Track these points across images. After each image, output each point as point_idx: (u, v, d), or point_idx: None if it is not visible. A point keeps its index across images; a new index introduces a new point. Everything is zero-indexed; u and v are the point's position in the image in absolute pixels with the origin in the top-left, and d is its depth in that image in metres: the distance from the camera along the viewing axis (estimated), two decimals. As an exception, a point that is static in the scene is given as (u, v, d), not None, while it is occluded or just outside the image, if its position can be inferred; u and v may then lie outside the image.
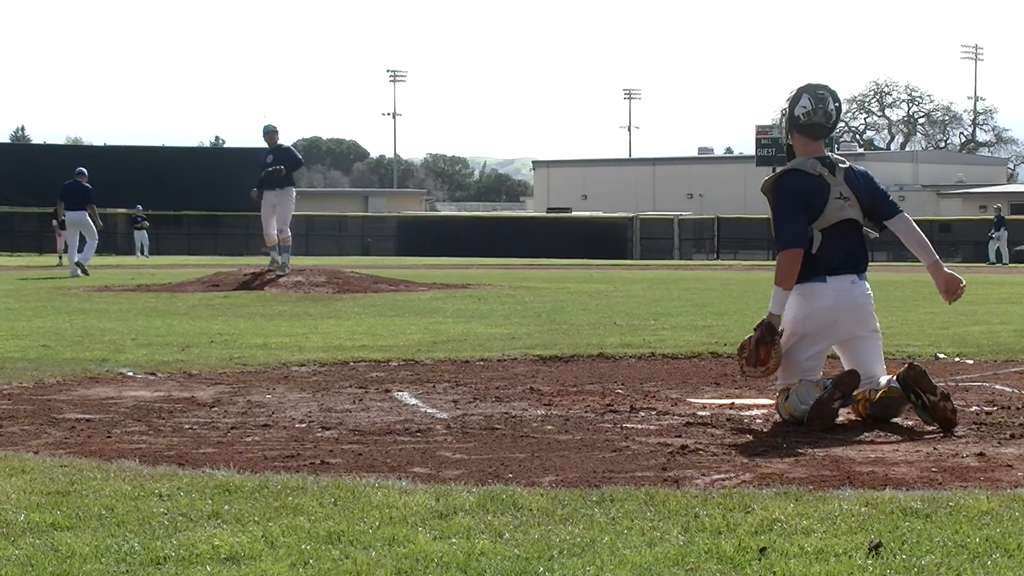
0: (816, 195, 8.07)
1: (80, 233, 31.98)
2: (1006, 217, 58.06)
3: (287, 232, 25.41)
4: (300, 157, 26.17)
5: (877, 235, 8.29)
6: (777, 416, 8.29)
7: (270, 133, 25.40)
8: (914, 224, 8.42)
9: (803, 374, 8.11)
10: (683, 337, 14.26)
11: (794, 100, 8.23)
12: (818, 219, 8.06)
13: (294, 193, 25.56)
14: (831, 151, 8.46)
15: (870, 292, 8.28)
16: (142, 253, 54.53)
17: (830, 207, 8.06)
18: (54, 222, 35.20)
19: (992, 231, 55.94)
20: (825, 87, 8.35)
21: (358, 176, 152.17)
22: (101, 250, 50.34)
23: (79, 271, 30.75)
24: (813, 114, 8.17)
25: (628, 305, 20.34)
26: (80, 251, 31.67)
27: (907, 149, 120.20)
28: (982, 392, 9.70)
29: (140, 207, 56.89)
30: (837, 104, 8.31)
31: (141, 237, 55.91)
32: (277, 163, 25.11)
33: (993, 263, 53.82)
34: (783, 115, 8.34)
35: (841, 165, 8.19)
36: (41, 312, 18.23)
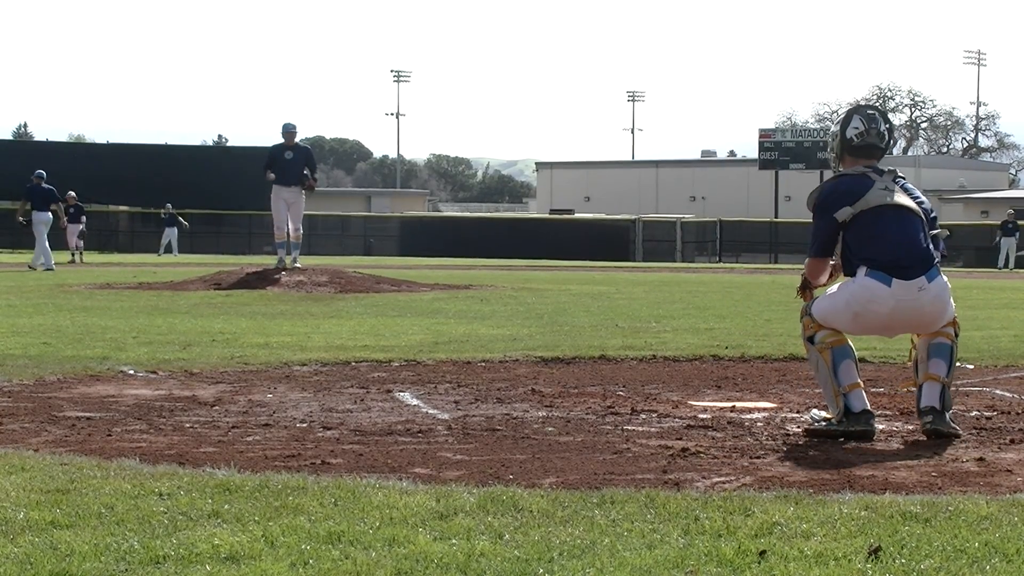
0: (857, 186, 7.87)
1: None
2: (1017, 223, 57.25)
3: (300, 229, 25.69)
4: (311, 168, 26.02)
5: (948, 233, 8.13)
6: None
7: (290, 133, 25.36)
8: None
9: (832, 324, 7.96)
10: (685, 339, 14.27)
11: (845, 122, 8.10)
12: (858, 202, 7.83)
13: (295, 195, 25.57)
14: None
15: (944, 287, 7.85)
16: (169, 251, 54.38)
17: (872, 193, 7.83)
18: (21, 220, 36.50)
19: (1000, 235, 54.90)
20: (875, 107, 8.29)
21: (361, 176, 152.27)
22: (102, 248, 50.52)
23: (49, 266, 33.38)
24: (867, 134, 8.02)
25: (630, 307, 20.34)
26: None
27: (909, 154, 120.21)
28: (982, 397, 9.70)
29: (170, 205, 56.69)
30: (888, 125, 8.16)
31: (170, 235, 55.69)
32: (298, 162, 25.13)
33: (1001, 267, 52.78)
34: (833, 138, 8.15)
35: (889, 171, 8.01)
36: (42, 309, 18.23)
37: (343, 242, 66.91)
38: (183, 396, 9.53)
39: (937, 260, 7.95)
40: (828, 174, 68.19)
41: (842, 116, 8.21)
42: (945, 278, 7.92)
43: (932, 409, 7.76)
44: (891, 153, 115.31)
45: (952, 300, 8.00)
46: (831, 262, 8.08)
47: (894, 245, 7.77)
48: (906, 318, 7.86)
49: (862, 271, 7.78)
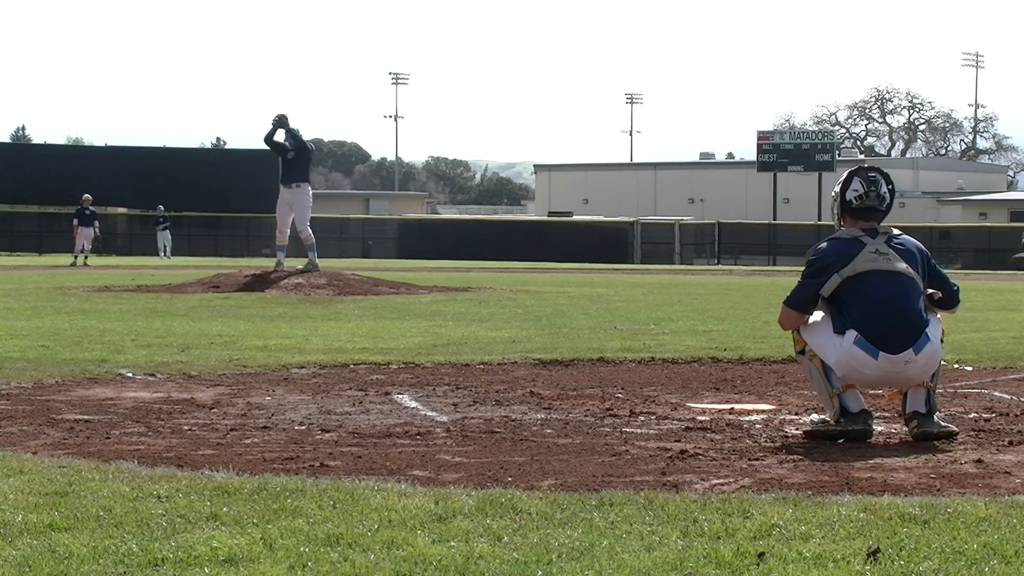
0: (847, 251, 7.86)
1: None
2: (1006, 225, 57.01)
3: (307, 231, 25.05)
4: (308, 145, 24.98)
5: (940, 295, 8.01)
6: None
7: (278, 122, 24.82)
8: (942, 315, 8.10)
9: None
10: (683, 342, 14.27)
11: (845, 184, 8.06)
12: (844, 268, 7.81)
13: (309, 191, 25.11)
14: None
15: (933, 353, 7.79)
16: (164, 254, 54.29)
17: (860, 258, 7.81)
18: None
19: None
20: (876, 169, 8.22)
21: (359, 178, 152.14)
22: (100, 251, 50.49)
23: None
24: (865, 197, 8.00)
25: (628, 309, 20.34)
26: None
27: (907, 156, 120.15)
28: (981, 399, 9.70)
29: (162, 207, 56.64)
30: (890, 186, 8.11)
31: (164, 238, 55.66)
32: (291, 146, 24.73)
33: None
34: (834, 199, 8.13)
35: (883, 232, 7.97)
36: (40, 312, 18.23)
37: (341, 244, 66.84)
38: (181, 399, 9.52)
39: (937, 316, 7.93)
40: (827, 177, 67.91)
41: (843, 177, 8.14)
42: (938, 336, 7.84)
43: (917, 414, 7.76)
44: (889, 156, 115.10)
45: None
46: (805, 317, 8.04)
47: (881, 311, 7.74)
48: (893, 381, 7.91)
49: (850, 335, 7.74)
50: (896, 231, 8.07)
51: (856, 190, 8.03)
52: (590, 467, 6.79)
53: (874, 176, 8.10)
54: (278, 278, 23.90)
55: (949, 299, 8.06)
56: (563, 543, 5.00)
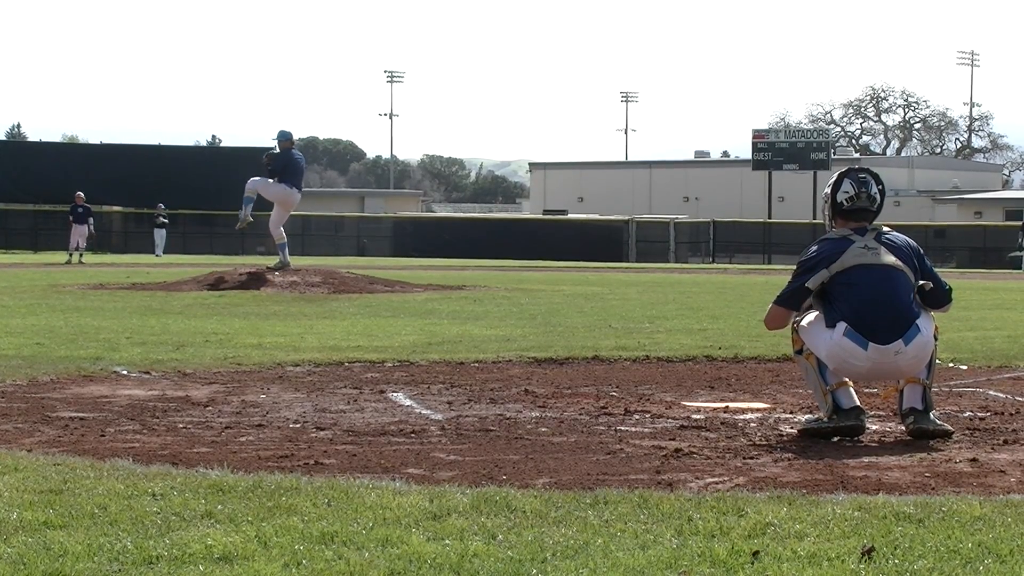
0: (836, 249, 7.89)
1: None
2: (1001, 224, 56.84)
3: (273, 232, 25.37)
4: (279, 168, 24.95)
5: (931, 285, 8.05)
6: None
7: (281, 141, 25.10)
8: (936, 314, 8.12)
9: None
10: (678, 340, 14.27)
11: (836, 185, 8.09)
12: (833, 264, 7.83)
13: (275, 185, 24.94)
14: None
15: (924, 345, 7.80)
16: (158, 252, 54.14)
17: (848, 253, 7.84)
18: None
19: (1021, 237, 54.00)
20: (867, 171, 8.23)
21: (354, 176, 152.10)
22: (95, 249, 50.45)
23: None
24: (856, 199, 8.01)
25: (623, 308, 20.34)
26: None
27: (903, 154, 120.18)
28: (975, 398, 9.71)
29: (163, 205, 56.56)
30: (881, 187, 8.13)
31: (160, 236, 55.55)
32: (273, 165, 25.07)
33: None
34: (825, 200, 8.15)
35: (872, 229, 7.99)
36: (35, 310, 18.22)
37: (336, 243, 66.82)
38: (176, 396, 9.52)
39: (930, 313, 7.93)
40: (822, 176, 67.97)
41: (834, 178, 8.17)
42: (929, 328, 7.85)
43: (913, 410, 7.78)
44: (885, 154, 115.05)
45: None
46: (794, 315, 8.06)
47: (870, 303, 7.76)
48: (884, 373, 7.96)
49: (840, 328, 7.77)
50: (886, 228, 8.09)
51: (846, 192, 8.05)
52: (585, 465, 6.79)
53: (864, 177, 8.12)
54: (274, 277, 23.86)
55: (941, 296, 8.06)
56: (558, 541, 5.00)
